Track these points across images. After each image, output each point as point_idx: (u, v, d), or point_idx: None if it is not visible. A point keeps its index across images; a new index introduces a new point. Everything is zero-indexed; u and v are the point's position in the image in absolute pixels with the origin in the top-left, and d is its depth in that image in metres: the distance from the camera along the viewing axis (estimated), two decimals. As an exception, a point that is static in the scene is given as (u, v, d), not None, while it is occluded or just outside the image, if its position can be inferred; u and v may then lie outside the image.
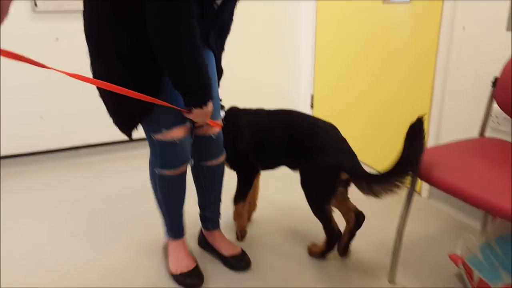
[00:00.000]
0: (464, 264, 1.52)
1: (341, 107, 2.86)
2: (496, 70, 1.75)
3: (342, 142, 1.63)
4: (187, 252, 1.66)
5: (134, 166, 2.68)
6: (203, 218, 1.75)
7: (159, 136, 1.41)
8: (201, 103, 1.34)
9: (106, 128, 1.45)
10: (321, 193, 1.63)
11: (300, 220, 2.04)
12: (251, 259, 1.70)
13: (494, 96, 1.67)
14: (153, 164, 1.51)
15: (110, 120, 1.45)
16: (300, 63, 3.29)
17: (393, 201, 2.19)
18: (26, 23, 2.47)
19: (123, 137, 1.55)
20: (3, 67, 2.49)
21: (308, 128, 1.64)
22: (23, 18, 2.46)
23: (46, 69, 1.07)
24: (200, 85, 1.31)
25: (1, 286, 1.60)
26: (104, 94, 1.40)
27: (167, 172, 1.48)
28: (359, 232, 1.71)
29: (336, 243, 1.71)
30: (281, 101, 3.31)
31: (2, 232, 1.98)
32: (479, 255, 1.47)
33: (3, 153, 2.65)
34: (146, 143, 1.51)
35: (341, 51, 2.79)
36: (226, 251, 1.70)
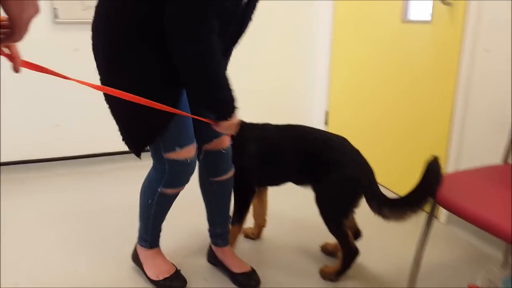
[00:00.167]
0: (485, 297, 1.46)
1: (356, 125, 2.82)
2: (521, 95, 1.70)
3: (357, 154, 1.62)
4: (165, 258, 1.67)
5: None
6: (213, 234, 1.73)
7: (172, 155, 1.41)
8: (228, 115, 1.36)
9: (121, 137, 1.44)
10: (340, 208, 1.60)
11: (311, 237, 1.99)
12: (260, 278, 1.66)
13: (518, 121, 1.62)
14: (155, 182, 1.50)
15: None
16: (315, 78, 3.26)
17: (411, 224, 2.13)
18: (46, 34, 2.51)
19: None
20: (24, 76, 2.51)
21: (322, 142, 1.62)
22: (43, 28, 2.50)
23: (68, 80, 1.07)
24: (225, 98, 1.32)
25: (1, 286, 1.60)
26: (118, 112, 1.39)
27: (169, 190, 1.49)
28: (375, 257, 1.66)
29: (353, 261, 1.66)
30: (293, 116, 3.23)
31: (8, 233, 1.98)
32: (501, 289, 1.40)
33: (18, 158, 2.69)
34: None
35: (358, 69, 2.76)
36: (236, 268, 1.67)
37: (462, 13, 1.95)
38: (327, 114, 3.18)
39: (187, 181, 1.49)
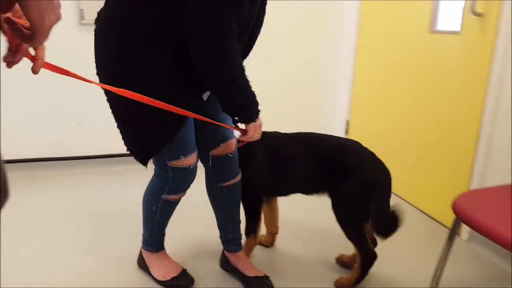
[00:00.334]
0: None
1: (378, 136, 2.78)
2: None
3: (374, 157, 1.62)
4: (171, 259, 1.69)
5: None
6: (225, 240, 1.73)
7: (176, 163, 1.44)
8: (255, 117, 1.39)
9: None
10: (360, 212, 1.59)
11: (325, 245, 1.96)
12: (275, 286, 1.64)
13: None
14: (158, 191, 1.53)
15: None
16: (337, 86, 3.20)
17: (431, 240, 2.08)
18: (72, 35, 2.55)
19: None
20: (49, 75, 2.56)
21: (339, 147, 1.61)
22: (70, 30, 2.55)
23: (93, 84, 1.08)
24: (250, 99, 1.34)
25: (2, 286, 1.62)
26: (128, 122, 1.39)
27: (172, 197, 1.53)
28: (393, 272, 1.62)
29: (371, 266, 1.64)
30: (311, 124, 3.19)
31: (20, 230, 2.01)
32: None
33: (40, 155, 2.74)
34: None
35: (382, 78, 2.72)
36: (250, 272, 1.67)
37: (494, 24, 1.89)
38: (348, 123, 3.13)
39: (188, 186, 1.53)
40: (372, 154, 1.62)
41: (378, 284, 1.72)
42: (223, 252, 1.77)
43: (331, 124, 3.27)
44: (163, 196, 1.52)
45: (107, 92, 1.37)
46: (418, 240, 2.11)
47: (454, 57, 2.14)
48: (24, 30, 0.74)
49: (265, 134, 1.70)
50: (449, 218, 2.15)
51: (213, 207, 1.70)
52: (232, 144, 1.57)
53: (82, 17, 2.53)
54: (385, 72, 2.68)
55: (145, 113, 1.27)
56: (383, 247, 1.80)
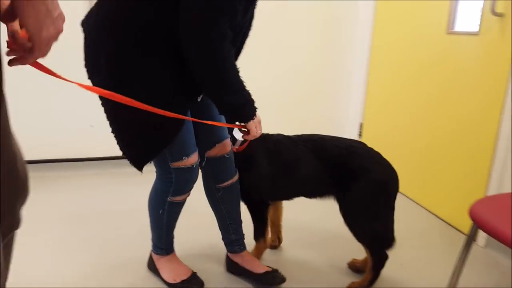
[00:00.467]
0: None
1: (393, 140, 2.73)
2: None
3: (381, 158, 1.61)
4: (181, 262, 1.69)
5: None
6: (228, 242, 1.73)
7: (179, 164, 1.44)
8: (253, 115, 1.40)
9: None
10: (370, 214, 1.58)
11: (334, 248, 1.93)
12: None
13: None
14: (162, 193, 1.53)
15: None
16: (350, 87, 3.15)
17: (447, 246, 2.03)
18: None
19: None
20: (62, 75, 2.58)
21: (345, 149, 1.59)
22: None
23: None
24: (246, 99, 1.36)
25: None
26: (124, 126, 1.38)
27: (178, 198, 1.53)
28: (408, 278, 1.60)
29: (383, 267, 1.63)
30: (323, 127, 3.02)
31: (31, 231, 2.02)
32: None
33: (52, 157, 2.76)
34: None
35: (397, 80, 2.67)
36: (259, 269, 1.66)
37: (513, 24, 1.84)
38: (361, 126, 3.09)
39: (192, 186, 1.53)
40: (379, 155, 1.61)
41: (393, 289, 1.69)
42: (227, 256, 1.76)
43: (344, 127, 3.23)
44: (168, 199, 1.52)
45: (101, 96, 1.36)
46: (433, 244, 2.07)
47: (472, 59, 2.09)
48: (26, 41, 0.73)
49: (268, 137, 1.68)
50: (464, 223, 2.11)
51: (212, 208, 1.70)
52: (228, 145, 1.58)
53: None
54: (400, 73, 2.64)
55: (142, 116, 1.27)
56: (397, 251, 1.76)
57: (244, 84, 1.35)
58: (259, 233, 1.76)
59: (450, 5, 2.18)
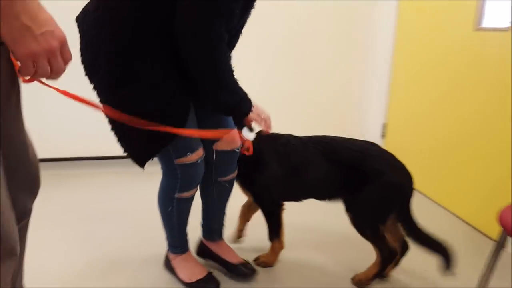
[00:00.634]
0: None
1: (418, 140, 2.65)
2: None
3: (395, 160, 1.59)
4: (197, 261, 1.70)
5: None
6: (208, 230, 1.76)
7: (183, 160, 1.44)
8: (248, 110, 1.43)
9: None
10: (378, 215, 1.58)
11: (338, 250, 1.91)
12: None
13: None
14: (170, 190, 1.53)
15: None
16: (373, 86, 3.08)
17: (474, 252, 1.96)
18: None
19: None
20: (80, 76, 2.61)
21: (358, 152, 1.57)
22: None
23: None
24: (240, 96, 1.40)
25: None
26: (123, 124, 1.36)
27: (185, 194, 1.52)
28: (433, 283, 1.59)
29: (390, 263, 1.64)
30: (345, 128, 2.92)
31: (45, 228, 2.04)
32: None
33: (72, 155, 2.80)
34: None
35: (422, 79, 2.59)
36: (235, 259, 1.71)
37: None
38: (385, 126, 3.02)
39: (198, 181, 1.53)
40: (393, 157, 1.59)
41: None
42: (201, 241, 1.78)
43: (367, 127, 3.16)
44: (176, 195, 1.52)
45: (99, 93, 1.37)
46: (459, 249, 1.98)
47: (501, 56, 1.99)
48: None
49: (278, 138, 1.66)
50: (491, 227, 2.02)
51: (202, 198, 1.70)
52: (237, 139, 1.59)
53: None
54: (425, 72, 2.56)
55: (144, 114, 1.30)
56: (422, 254, 1.70)
57: (238, 82, 1.39)
58: (274, 234, 1.75)
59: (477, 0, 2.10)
